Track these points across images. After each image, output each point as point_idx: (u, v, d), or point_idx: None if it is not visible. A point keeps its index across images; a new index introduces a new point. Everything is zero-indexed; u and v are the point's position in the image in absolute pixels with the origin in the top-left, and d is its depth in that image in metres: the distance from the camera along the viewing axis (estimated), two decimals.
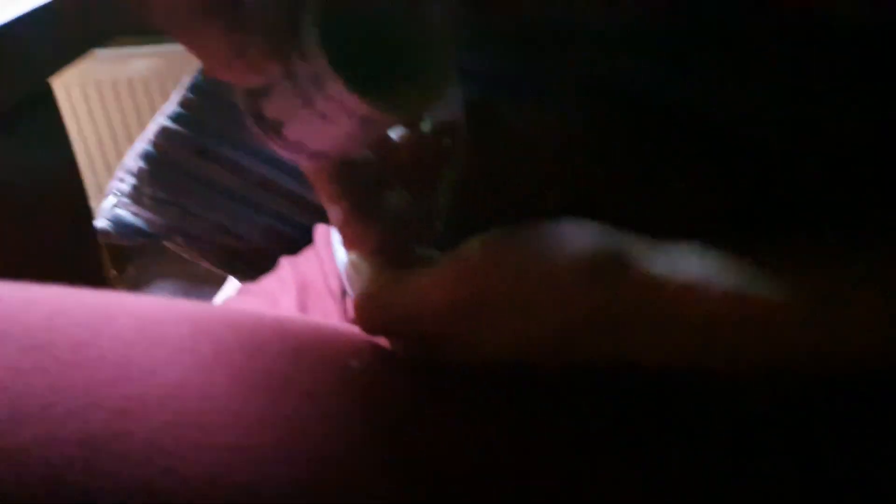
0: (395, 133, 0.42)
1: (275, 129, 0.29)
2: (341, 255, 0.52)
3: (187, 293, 1.06)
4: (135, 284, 1.10)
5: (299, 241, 0.62)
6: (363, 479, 0.25)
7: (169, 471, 0.22)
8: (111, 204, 0.64)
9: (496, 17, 0.33)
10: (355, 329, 0.31)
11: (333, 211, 0.33)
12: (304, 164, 0.32)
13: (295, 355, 0.27)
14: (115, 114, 1.33)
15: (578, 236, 0.26)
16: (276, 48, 0.26)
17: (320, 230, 0.58)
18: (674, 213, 0.30)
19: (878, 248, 0.26)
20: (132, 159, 0.64)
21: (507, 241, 0.26)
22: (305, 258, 0.56)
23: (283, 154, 0.30)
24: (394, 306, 0.28)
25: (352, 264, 0.32)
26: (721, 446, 0.31)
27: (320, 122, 0.27)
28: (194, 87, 0.64)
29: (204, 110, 0.63)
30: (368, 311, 0.29)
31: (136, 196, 0.63)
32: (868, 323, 0.25)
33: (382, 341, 0.32)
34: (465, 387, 0.30)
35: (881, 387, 0.30)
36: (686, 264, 0.25)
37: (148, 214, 0.63)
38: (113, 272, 1.09)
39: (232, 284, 0.76)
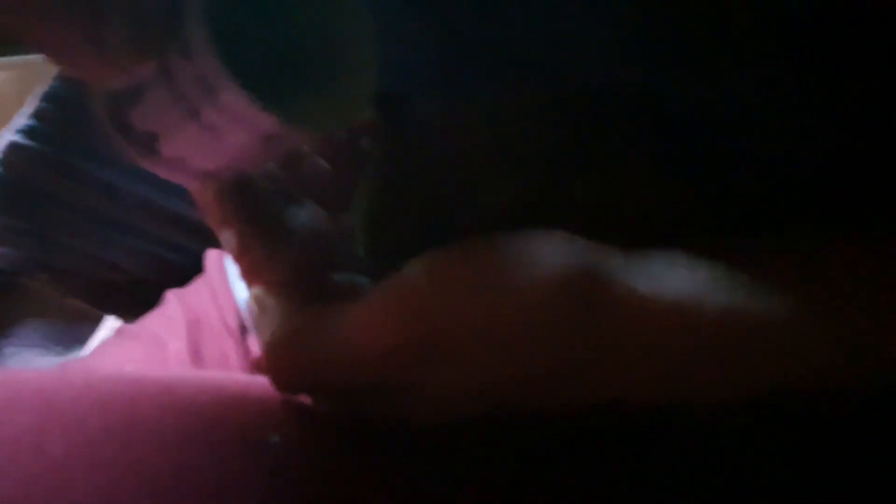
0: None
1: (146, 143, 0.24)
2: (240, 288, 0.45)
3: (62, 334, 0.94)
4: None
5: (188, 269, 0.56)
6: None
7: None
8: None
9: None
10: (266, 383, 0.24)
11: (225, 236, 0.27)
12: (187, 183, 0.26)
13: (187, 439, 0.20)
14: None
15: (543, 250, 0.22)
16: (146, 42, 0.21)
17: (212, 256, 0.52)
18: (635, 219, 0.26)
19: (866, 251, 0.23)
20: None
21: (459, 262, 0.21)
22: (196, 290, 0.50)
23: (159, 173, 0.25)
24: (317, 354, 0.23)
25: (255, 300, 0.26)
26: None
27: (207, 137, 0.23)
28: (50, 96, 0.56)
29: (64, 122, 0.56)
30: (283, 362, 0.23)
31: None
32: (870, 332, 0.22)
33: (304, 398, 0.25)
34: (419, 454, 0.24)
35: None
36: (672, 279, 0.22)
37: (0, 248, 0.54)
38: None
39: (111, 323, 0.67)
